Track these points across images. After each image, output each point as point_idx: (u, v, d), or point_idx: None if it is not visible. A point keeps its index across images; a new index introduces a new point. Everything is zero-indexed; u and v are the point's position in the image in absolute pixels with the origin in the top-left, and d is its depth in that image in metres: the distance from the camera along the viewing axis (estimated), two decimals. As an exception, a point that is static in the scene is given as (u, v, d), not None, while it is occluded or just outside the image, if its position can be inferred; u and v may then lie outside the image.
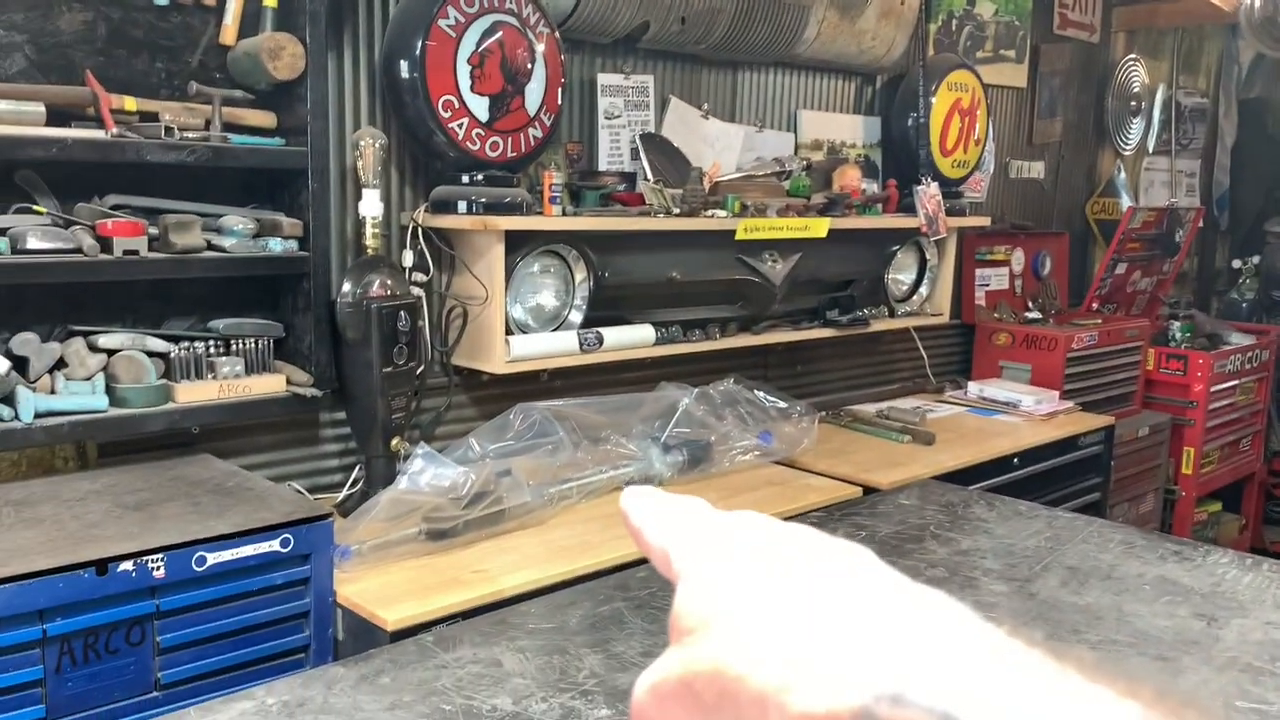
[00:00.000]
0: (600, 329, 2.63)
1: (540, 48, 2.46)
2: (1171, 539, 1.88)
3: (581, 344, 2.58)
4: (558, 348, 2.56)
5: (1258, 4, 4.67)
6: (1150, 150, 5.23)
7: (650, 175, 2.80)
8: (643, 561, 1.69)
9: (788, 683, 0.30)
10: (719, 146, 3.10)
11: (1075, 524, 1.92)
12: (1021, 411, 3.52)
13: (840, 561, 0.35)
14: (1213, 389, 4.35)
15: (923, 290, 3.61)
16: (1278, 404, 5.01)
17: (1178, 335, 4.50)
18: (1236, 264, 5.41)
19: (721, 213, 2.83)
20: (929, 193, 3.39)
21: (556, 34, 2.52)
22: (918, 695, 0.28)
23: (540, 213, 2.50)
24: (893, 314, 3.50)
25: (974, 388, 3.75)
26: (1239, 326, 4.89)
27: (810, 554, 0.35)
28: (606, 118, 2.85)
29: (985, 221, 3.88)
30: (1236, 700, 1.27)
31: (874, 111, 3.67)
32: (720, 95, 3.18)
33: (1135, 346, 4.21)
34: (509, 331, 2.49)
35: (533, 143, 2.49)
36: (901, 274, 3.58)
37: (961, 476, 2.74)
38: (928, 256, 3.57)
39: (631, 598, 1.56)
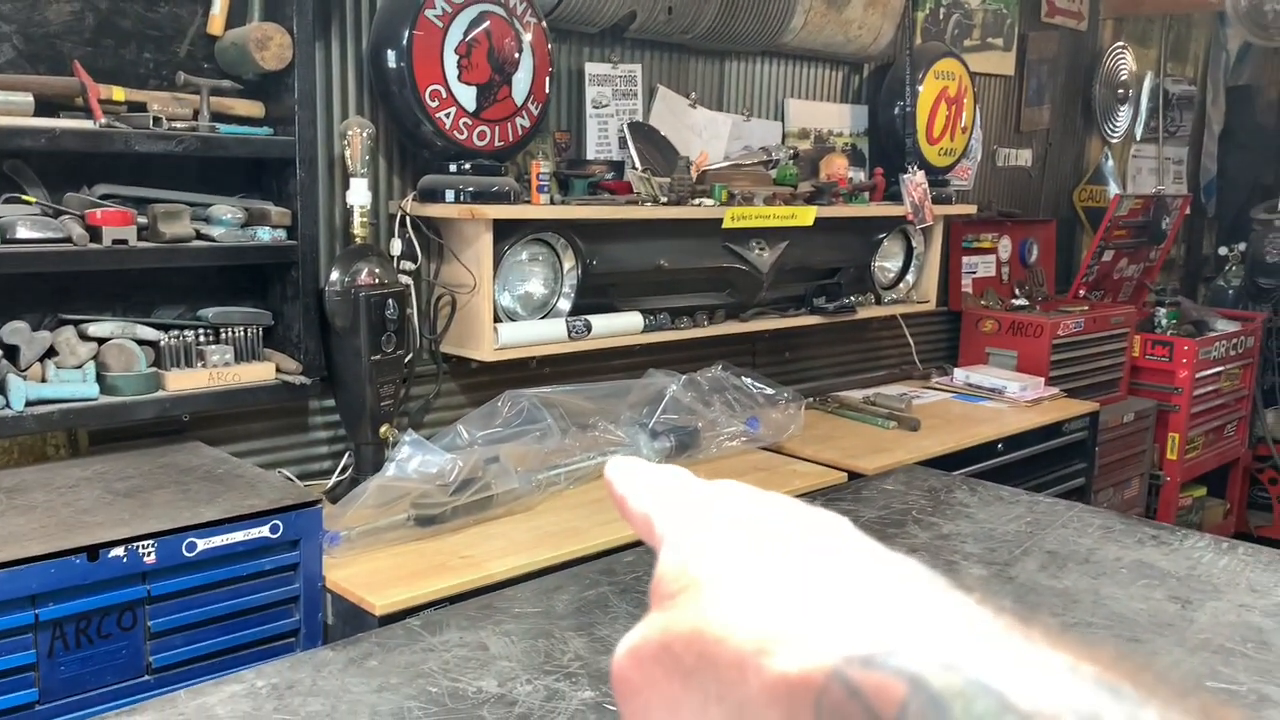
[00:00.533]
0: (588, 316, 2.65)
1: (527, 37, 2.47)
2: (1150, 523, 1.90)
3: (570, 331, 2.60)
4: (546, 335, 2.58)
5: (1244, -8, 4.69)
6: (1138, 138, 5.25)
7: (638, 164, 2.81)
8: (628, 547, 1.72)
9: (765, 645, 0.31)
10: (706, 135, 3.11)
11: (1056, 509, 1.95)
12: (1007, 398, 3.55)
13: (820, 530, 0.36)
14: (1198, 375, 4.39)
15: (909, 278, 3.63)
16: (1262, 390, 5.05)
17: (1164, 322, 4.52)
18: (1223, 251, 5.43)
19: (709, 201, 2.84)
20: (915, 181, 3.41)
21: (544, 23, 2.52)
22: (887, 658, 0.29)
23: (528, 201, 2.51)
24: (879, 301, 3.52)
25: (960, 374, 3.77)
26: (1225, 313, 4.92)
27: (790, 522, 0.37)
28: (594, 107, 2.86)
29: (972, 209, 3.89)
30: (1208, 681, 1.30)
31: (861, 100, 3.68)
32: (708, 84, 3.19)
33: (1121, 333, 4.24)
34: (497, 319, 2.50)
35: (520, 132, 2.50)
36: (888, 261, 3.60)
37: (946, 462, 2.77)
38: (914, 244, 3.59)
39: (617, 582, 1.58)
